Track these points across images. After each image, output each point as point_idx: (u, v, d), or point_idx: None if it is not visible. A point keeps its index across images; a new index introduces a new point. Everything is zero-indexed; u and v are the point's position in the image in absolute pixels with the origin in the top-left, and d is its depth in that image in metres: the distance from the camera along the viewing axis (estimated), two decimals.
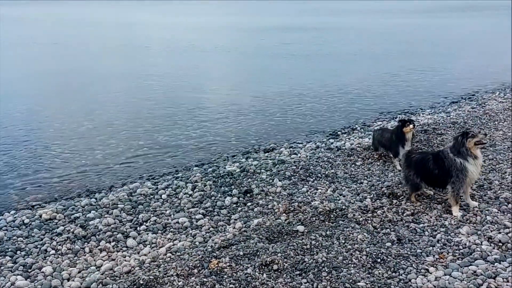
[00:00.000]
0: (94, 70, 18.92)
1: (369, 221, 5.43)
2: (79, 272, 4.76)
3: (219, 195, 6.48)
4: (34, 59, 21.85)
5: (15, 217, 6.01)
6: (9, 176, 7.88)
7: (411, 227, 5.31)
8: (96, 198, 6.64)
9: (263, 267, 4.52)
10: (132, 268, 4.77)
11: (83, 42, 28.28)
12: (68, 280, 4.63)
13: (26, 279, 4.63)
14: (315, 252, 4.76)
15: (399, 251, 4.83)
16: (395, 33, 32.22)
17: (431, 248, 4.88)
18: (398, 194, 6.10)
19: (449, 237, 5.07)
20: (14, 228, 5.68)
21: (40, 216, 5.95)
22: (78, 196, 7.06)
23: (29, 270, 4.81)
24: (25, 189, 7.42)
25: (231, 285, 4.24)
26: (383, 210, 5.69)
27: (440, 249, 4.85)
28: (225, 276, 4.38)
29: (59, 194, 7.23)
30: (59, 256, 5.08)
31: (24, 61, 21.38)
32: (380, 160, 7.49)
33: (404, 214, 5.59)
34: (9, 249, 5.16)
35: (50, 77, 17.38)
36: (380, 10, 57.48)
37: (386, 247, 4.90)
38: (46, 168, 8.25)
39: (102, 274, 4.69)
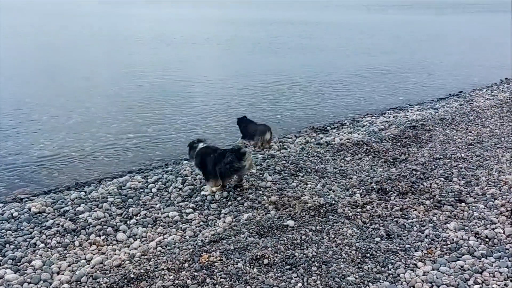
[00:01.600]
0: (83, 62, 18.72)
1: (359, 216, 5.48)
2: (69, 265, 4.74)
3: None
4: (18, 50, 21.54)
5: (3, 210, 5.94)
6: None
7: (400, 222, 5.38)
8: (85, 192, 6.59)
9: (254, 261, 4.55)
10: (123, 262, 4.77)
11: (73, 33, 27.93)
12: (58, 273, 4.61)
13: (15, 273, 4.60)
14: (305, 247, 4.80)
15: (388, 246, 4.89)
16: (386, 29, 32.38)
17: (419, 243, 4.95)
18: (387, 189, 6.17)
19: (437, 232, 5.14)
20: (3, 221, 5.61)
21: (29, 209, 5.89)
22: (67, 189, 7.01)
23: (18, 264, 4.77)
24: (13, 182, 7.35)
25: (222, 279, 4.26)
26: (372, 206, 5.75)
27: (428, 244, 4.92)
28: (216, 270, 4.40)
29: (48, 187, 7.17)
30: (49, 249, 5.05)
31: (7, 52, 21.05)
32: (369, 156, 7.55)
33: (393, 210, 5.66)
34: None
35: (37, 68, 17.16)
36: (373, 5, 57.64)
37: (375, 242, 4.96)
38: (34, 160, 8.17)
39: (92, 267, 4.67)
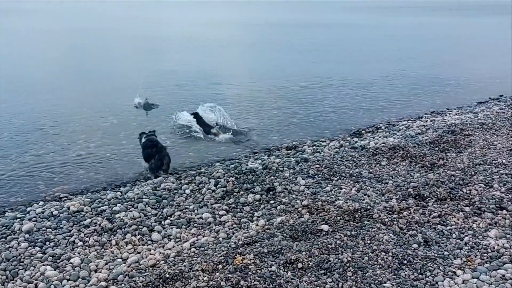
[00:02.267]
0: (116, 63, 19.13)
1: (395, 222, 5.37)
2: (106, 264, 4.84)
3: (242, 192, 6.49)
4: (50, 52, 22.20)
5: (43, 209, 6.12)
6: (37, 168, 8.04)
7: (438, 229, 5.24)
8: (121, 192, 6.72)
9: (288, 265, 4.52)
10: (158, 262, 4.83)
11: (100, 35, 28.58)
12: (96, 271, 4.72)
13: (55, 270, 4.73)
14: (340, 252, 4.74)
15: (426, 253, 4.77)
16: (419, 31, 31.75)
17: (458, 250, 4.81)
18: (425, 195, 6.02)
19: (477, 240, 4.99)
20: (43, 219, 5.79)
21: (68, 208, 6.05)
22: (104, 189, 7.16)
23: (58, 261, 4.91)
24: (53, 181, 7.57)
25: (255, 282, 4.25)
26: (409, 211, 5.62)
27: (467, 252, 4.78)
28: (250, 273, 4.39)
29: (85, 186, 7.36)
30: (87, 247, 5.17)
31: (42, 53, 21.73)
32: (406, 161, 7.40)
33: (431, 216, 5.52)
34: (39, 240, 5.27)
35: (75, 70, 17.64)
36: (401, 7, 56.67)
37: (412, 248, 4.85)
38: (72, 160, 8.39)
39: (128, 266, 4.76)
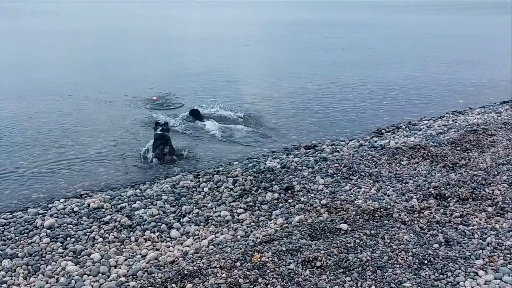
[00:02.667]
0: (138, 63, 19.32)
1: (416, 222, 5.30)
2: (125, 260, 4.89)
3: (260, 191, 6.48)
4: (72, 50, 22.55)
5: (65, 205, 6.22)
6: (59, 165, 8.16)
7: (459, 229, 5.16)
8: (140, 189, 6.79)
9: (306, 263, 4.49)
10: (176, 258, 4.86)
11: (125, 35, 28.91)
12: (115, 267, 4.77)
13: (75, 265, 4.80)
14: (359, 251, 4.69)
15: (447, 253, 4.70)
16: (440, 29, 31.28)
17: (480, 251, 4.73)
18: (446, 195, 5.92)
19: (500, 240, 4.89)
20: (64, 216, 5.88)
21: (88, 204, 6.14)
22: (123, 186, 7.24)
23: (79, 256, 4.98)
24: (73, 178, 7.67)
25: (274, 280, 4.24)
26: (430, 211, 5.54)
27: (490, 253, 4.69)
28: (268, 271, 4.38)
29: (105, 184, 7.43)
30: (107, 243, 5.23)
31: (70, 54, 22.09)
32: (427, 160, 7.29)
33: (453, 216, 5.43)
34: (60, 236, 5.35)
35: (97, 70, 17.88)
36: (421, 5, 55.91)
37: (433, 248, 4.78)
38: (93, 158, 8.50)
39: (147, 262, 4.80)
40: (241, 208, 6.02)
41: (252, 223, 5.64)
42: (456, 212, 5.50)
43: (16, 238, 5.36)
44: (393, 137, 8.87)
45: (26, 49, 23.12)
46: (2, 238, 5.36)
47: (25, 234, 5.44)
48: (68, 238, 5.34)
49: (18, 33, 28.81)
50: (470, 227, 5.18)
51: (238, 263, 4.53)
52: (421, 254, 4.63)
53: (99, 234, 5.42)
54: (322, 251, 4.66)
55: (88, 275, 4.63)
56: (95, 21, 37.77)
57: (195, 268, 4.45)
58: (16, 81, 15.41)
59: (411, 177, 6.68)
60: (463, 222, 5.32)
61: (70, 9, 51.21)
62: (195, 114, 10.80)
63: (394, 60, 19.69)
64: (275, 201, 6.17)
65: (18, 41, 25.69)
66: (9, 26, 32.53)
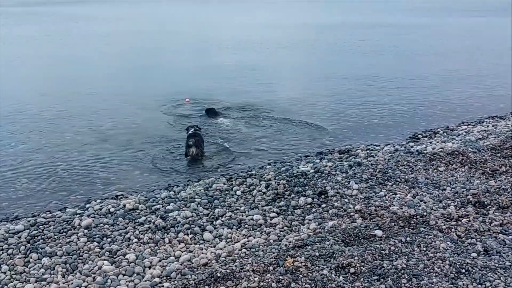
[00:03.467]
0: (177, 66, 19.61)
1: (453, 230, 5.15)
2: (159, 261, 4.97)
3: (293, 195, 6.45)
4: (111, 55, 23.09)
5: (101, 206, 6.37)
6: (96, 167, 8.38)
7: (499, 238, 4.98)
8: (174, 191, 6.87)
9: (340, 269, 4.44)
10: (209, 261, 4.90)
11: (162, 39, 29.40)
12: (150, 267, 4.85)
13: (111, 264, 4.91)
14: (394, 258, 4.60)
15: (486, 262, 4.54)
16: (479, 32, 30.38)
17: None
18: (485, 203, 5.74)
19: None
20: (101, 216, 6.02)
21: (124, 206, 6.26)
22: (158, 188, 7.35)
23: (114, 256, 5.09)
24: (110, 180, 7.86)
25: (306, 285, 4.21)
26: (468, 219, 5.38)
27: None
28: (301, 276, 4.35)
29: (140, 185, 7.58)
30: (141, 244, 5.33)
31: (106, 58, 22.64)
32: (465, 167, 7.08)
33: (492, 224, 5.25)
34: (97, 235, 5.49)
35: (136, 72, 18.24)
36: (457, 9, 54.46)
37: (471, 257, 4.63)
38: (128, 160, 8.68)
39: (181, 264, 4.86)
40: (273, 212, 6.01)
41: (285, 228, 5.62)
42: (496, 221, 5.31)
43: (55, 237, 5.53)
44: (430, 142, 8.67)
45: (67, 52, 23.84)
46: (42, 236, 5.53)
47: (64, 233, 5.60)
48: (105, 238, 5.47)
49: (61, 37, 29.75)
50: (510, 237, 4.99)
51: (271, 267, 4.52)
52: (459, 263, 4.50)
53: (134, 235, 5.52)
54: (356, 258, 4.59)
55: (124, 275, 4.72)
56: (132, 25, 38.58)
57: (228, 271, 4.47)
58: (58, 83, 15.99)
59: (449, 184, 6.50)
60: (503, 231, 5.13)
61: (106, 13, 52.51)
62: (212, 113, 11.53)
63: (432, 63, 19.24)
64: (308, 206, 6.13)
65: (60, 44, 26.51)
66: (54, 30, 33.65)
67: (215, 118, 11.29)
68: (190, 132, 9.06)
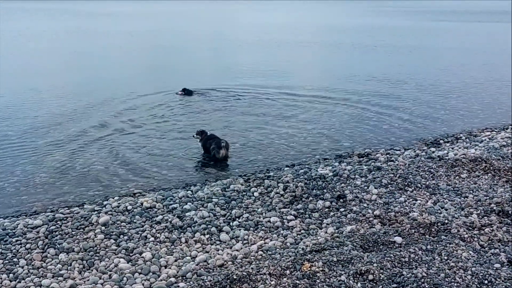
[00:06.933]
0: (199, 65, 19.66)
1: (476, 239, 5.02)
2: (175, 260, 4.94)
3: (311, 198, 6.37)
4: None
5: (119, 203, 6.38)
6: (114, 164, 8.41)
7: None
8: (192, 191, 6.85)
9: (358, 275, 4.35)
10: (225, 262, 4.85)
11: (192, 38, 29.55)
12: (165, 267, 4.83)
13: (127, 262, 4.90)
14: (414, 266, 4.49)
15: (510, 274, 4.40)
16: (505, 35, 29.76)
17: None
18: (510, 212, 5.57)
19: None
20: (118, 213, 6.03)
21: (141, 204, 6.27)
22: (175, 187, 7.34)
23: (131, 254, 5.08)
24: (128, 177, 7.87)
25: None
26: (491, 228, 5.23)
27: None
28: (318, 281, 4.28)
29: (158, 184, 7.58)
30: (158, 243, 5.31)
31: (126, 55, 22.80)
32: (489, 174, 6.90)
33: None
34: (114, 233, 5.49)
35: (156, 71, 18.35)
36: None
37: (494, 268, 4.50)
38: (146, 159, 8.69)
39: (196, 264, 4.82)
40: (291, 215, 5.94)
41: (302, 231, 5.55)
42: None
43: (73, 233, 5.55)
44: (452, 148, 8.49)
45: (90, 48, 24.10)
46: (60, 232, 5.56)
47: (81, 230, 5.62)
48: (121, 236, 5.46)
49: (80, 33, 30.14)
50: None
51: (288, 271, 4.46)
52: (481, 274, 4.37)
53: (151, 234, 5.51)
54: (375, 264, 4.50)
55: (140, 273, 4.71)
56: (162, 23, 38.87)
57: (244, 273, 4.42)
58: (81, 79, 16.18)
59: (471, 191, 6.34)
60: None
61: (133, 11, 53.04)
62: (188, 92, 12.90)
63: (456, 67, 18.93)
64: (326, 210, 6.05)
65: (82, 40, 26.85)
66: (79, 26, 34.12)
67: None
68: (208, 134, 9.02)
